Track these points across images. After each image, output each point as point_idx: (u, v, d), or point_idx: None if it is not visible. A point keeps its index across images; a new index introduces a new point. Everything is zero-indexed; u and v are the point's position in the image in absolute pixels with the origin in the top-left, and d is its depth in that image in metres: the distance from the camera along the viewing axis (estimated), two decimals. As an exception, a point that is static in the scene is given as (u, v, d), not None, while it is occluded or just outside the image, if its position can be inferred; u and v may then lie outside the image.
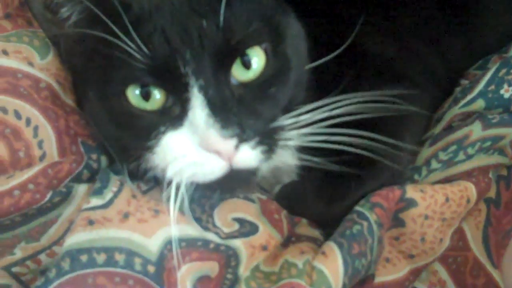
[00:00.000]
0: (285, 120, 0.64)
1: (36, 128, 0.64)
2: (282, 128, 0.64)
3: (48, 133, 0.64)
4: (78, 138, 0.67)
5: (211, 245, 0.63)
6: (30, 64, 0.66)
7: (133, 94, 0.60)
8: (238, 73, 0.62)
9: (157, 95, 0.60)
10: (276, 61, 0.65)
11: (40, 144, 0.64)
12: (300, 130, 0.65)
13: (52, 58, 0.68)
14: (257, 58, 0.63)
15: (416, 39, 0.85)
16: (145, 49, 0.58)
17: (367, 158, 0.67)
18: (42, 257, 0.60)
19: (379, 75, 0.79)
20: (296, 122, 0.65)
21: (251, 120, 0.60)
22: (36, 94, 0.64)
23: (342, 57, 0.67)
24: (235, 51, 0.61)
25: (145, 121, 0.61)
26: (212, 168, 0.59)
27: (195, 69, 0.59)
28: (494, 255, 0.74)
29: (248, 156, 0.60)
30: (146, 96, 0.60)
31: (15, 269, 0.61)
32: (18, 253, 0.60)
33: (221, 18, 0.59)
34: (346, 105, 0.66)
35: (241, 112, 0.60)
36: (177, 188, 0.60)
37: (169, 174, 0.61)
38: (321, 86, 0.69)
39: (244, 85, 0.63)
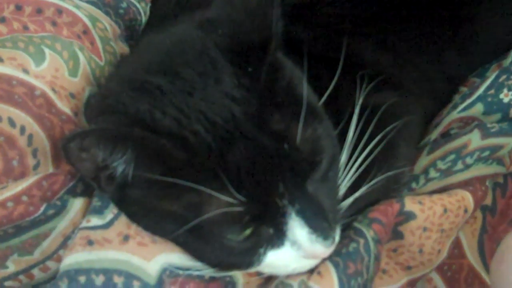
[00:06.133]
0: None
1: (30, 137, 0.62)
2: (340, 201, 0.66)
3: (42, 142, 0.63)
4: (74, 147, 0.66)
5: (207, 276, 0.62)
6: (25, 71, 0.64)
7: None
8: None
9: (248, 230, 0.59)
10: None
11: (34, 153, 0.62)
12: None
13: (47, 65, 0.66)
14: None
15: (412, 49, 0.85)
16: (241, 198, 0.55)
17: None
18: (35, 271, 0.60)
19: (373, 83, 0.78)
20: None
21: (331, 214, 0.61)
22: (31, 102, 0.63)
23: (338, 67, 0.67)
24: (315, 165, 0.60)
25: (241, 248, 0.59)
26: (308, 266, 0.62)
27: (290, 198, 0.57)
28: (489, 263, 0.74)
29: (334, 247, 0.61)
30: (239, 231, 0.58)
31: (7, 283, 0.60)
32: (11, 267, 0.59)
33: (298, 138, 0.58)
34: None
35: (326, 212, 0.60)
36: None
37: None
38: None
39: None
